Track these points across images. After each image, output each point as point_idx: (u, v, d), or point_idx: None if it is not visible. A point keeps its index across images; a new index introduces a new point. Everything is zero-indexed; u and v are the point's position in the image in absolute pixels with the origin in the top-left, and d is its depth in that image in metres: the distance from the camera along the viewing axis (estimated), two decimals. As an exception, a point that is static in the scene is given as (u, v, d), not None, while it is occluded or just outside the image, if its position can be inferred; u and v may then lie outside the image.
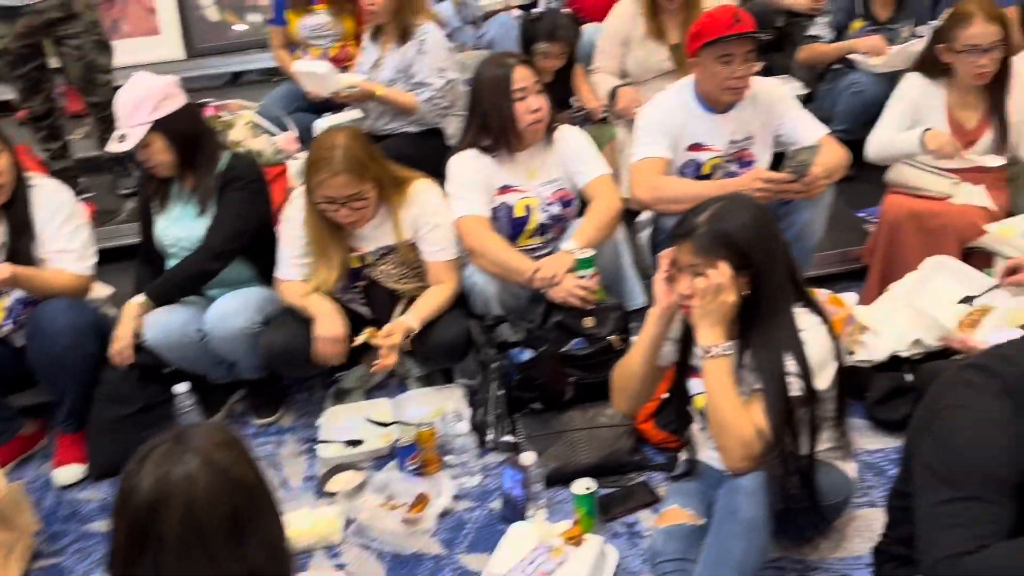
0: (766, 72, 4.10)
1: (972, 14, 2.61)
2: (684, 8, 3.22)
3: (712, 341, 1.66)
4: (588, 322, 2.32)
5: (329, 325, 2.30)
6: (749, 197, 1.82)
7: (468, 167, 2.50)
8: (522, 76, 2.45)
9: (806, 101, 3.91)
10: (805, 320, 1.71)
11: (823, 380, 1.70)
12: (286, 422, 2.57)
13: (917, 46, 3.07)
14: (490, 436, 2.27)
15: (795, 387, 1.64)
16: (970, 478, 1.27)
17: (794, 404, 1.65)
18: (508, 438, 2.25)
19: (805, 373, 1.65)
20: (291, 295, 2.42)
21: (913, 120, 2.81)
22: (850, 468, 1.86)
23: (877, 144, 2.83)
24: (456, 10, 3.97)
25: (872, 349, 2.28)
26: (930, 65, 2.79)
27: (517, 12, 4.29)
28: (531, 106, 2.45)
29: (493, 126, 2.48)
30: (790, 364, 1.65)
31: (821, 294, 2.37)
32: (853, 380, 2.37)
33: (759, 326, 1.70)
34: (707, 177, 2.61)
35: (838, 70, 3.56)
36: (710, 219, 1.68)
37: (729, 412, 1.63)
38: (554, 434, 2.22)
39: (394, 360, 2.27)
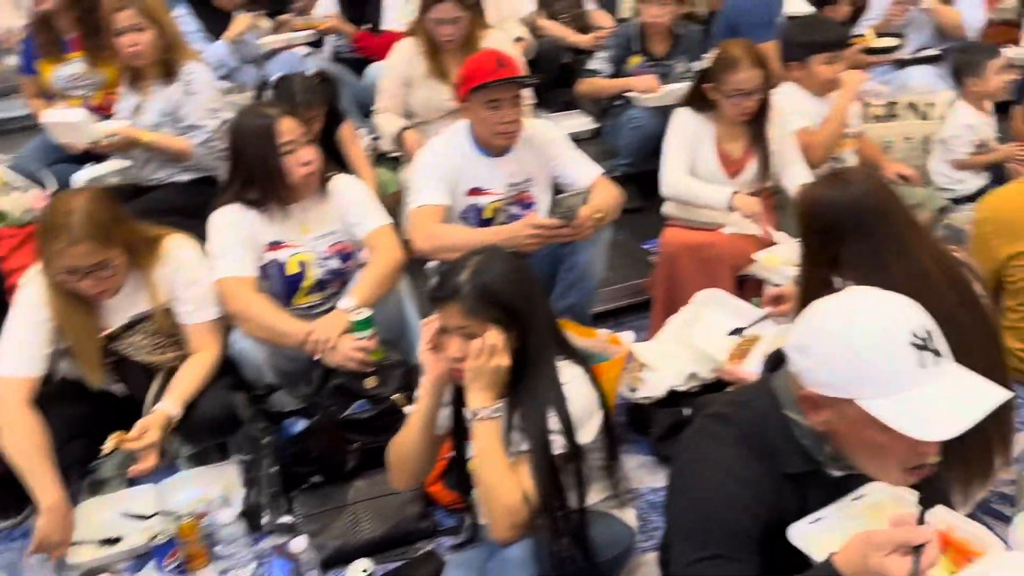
0: (560, 107, 4.22)
1: (739, 60, 2.73)
2: (464, 47, 3.19)
3: (481, 404, 1.59)
4: (370, 383, 2.20)
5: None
6: (505, 250, 1.77)
7: (231, 223, 2.32)
8: (288, 128, 2.30)
9: (596, 135, 4.04)
10: (567, 372, 1.67)
11: (588, 433, 1.66)
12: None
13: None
14: (265, 519, 2.08)
15: (558, 445, 1.59)
16: (712, 536, 1.25)
17: (559, 463, 1.60)
18: (285, 519, 2.07)
19: (568, 429, 1.61)
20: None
21: (688, 153, 2.91)
22: (628, 516, 1.84)
23: (675, 187, 2.89)
24: (232, 50, 3.77)
25: (652, 386, 2.30)
26: (698, 100, 2.90)
27: (304, 50, 4.15)
28: (301, 158, 2.31)
29: (259, 179, 2.31)
30: (553, 421, 1.60)
31: (602, 334, 2.38)
32: (638, 417, 2.42)
33: (525, 383, 1.64)
34: (489, 221, 2.58)
35: (620, 105, 3.67)
36: (472, 277, 1.61)
37: (495, 478, 1.56)
38: (335, 509, 2.08)
39: (153, 462, 2.03)
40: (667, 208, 3.03)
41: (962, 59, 3.26)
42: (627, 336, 2.32)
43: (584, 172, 2.62)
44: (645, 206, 3.44)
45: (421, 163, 2.53)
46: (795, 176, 2.94)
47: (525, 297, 1.65)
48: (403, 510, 2.08)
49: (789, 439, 1.31)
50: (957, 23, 3.95)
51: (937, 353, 1.18)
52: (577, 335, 2.36)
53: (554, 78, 4.18)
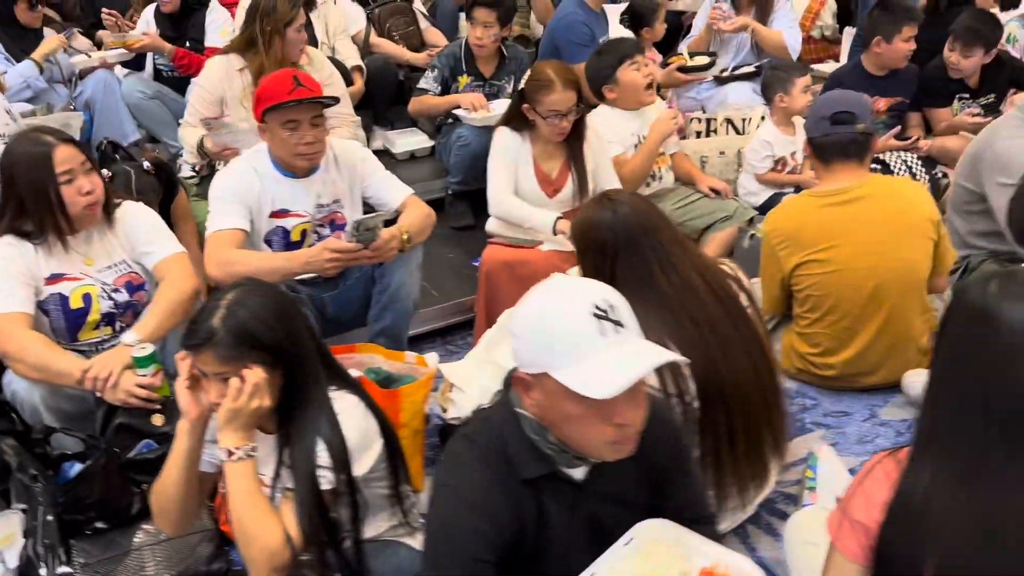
0: (398, 124, 4.20)
1: (552, 82, 2.76)
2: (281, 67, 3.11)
3: (233, 444, 1.53)
4: (157, 420, 2.08)
5: None
6: (262, 284, 1.70)
7: (1, 256, 2.16)
8: (65, 157, 2.16)
9: (433, 153, 4.04)
10: (341, 402, 1.63)
11: (364, 463, 1.62)
12: None
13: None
14: (43, 572, 1.94)
15: (327, 480, 1.55)
16: (452, 560, 1.25)
17: (327, 498, 1.55)
18: (63, 570, 1.94)
19: (340, 462, 1.57)
20: None
21: (511, 173, 2.94)
22: (416, 542, 1.81)
23: (502, 207, 2.91)
24: (40, 70, 3.57)
25: (460, 406, 2.28)
26: (516, 120, 2.93)
27: (123, 71, 3.97)
28: (82, 188, 2.17)
29: (35, 211, 2.17)
30: (323, 456, 1.56)
31: (409, 356, 2.35)
32: (449, 437, 2.40)
33: (294, 418, 1.59)
34: (298, 244, 2.51)
35: (450, 124, 3.68)
36: (226, 320, 1.52)
37: (252, 519, 1.50)
38: (118, 556, 1.96)
39: None
40: (489, 225, 3.05)
41: (771, 76, 3.43)
42: (432, 357, 2.31)
43: (394, 192, 2.60)
44: (477, 224, 3.46)
45: (218, 186, 2.44)
46: (612, 192, 3.02)
47: (287, 332, 1.58)
48: (193, 552, 1.98)
49: (524, 443, 1.35)
50: (780, 44, 4.15)
51: (619, 324, 1.27)
52: (385, 358, 2.35)
53: (391, 96, 4.16)
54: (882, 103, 3.69)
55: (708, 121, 4.00)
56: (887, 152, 3.52)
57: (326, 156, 2.52)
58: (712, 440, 1.84)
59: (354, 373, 2.16)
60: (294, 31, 3.16)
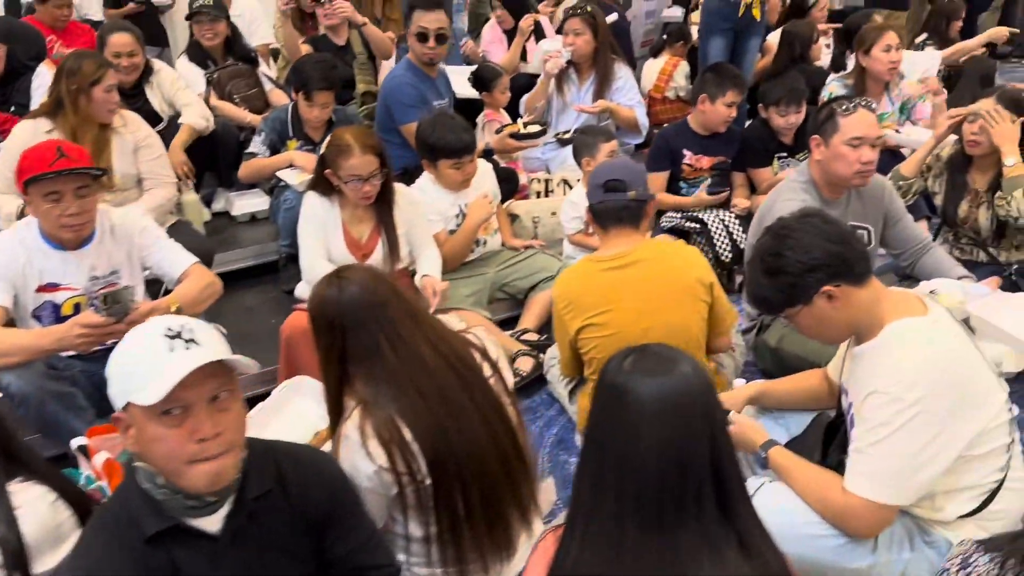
0: (240, 187, 4.15)
1: (350, 147, 2.77)
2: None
3: None
4: None
5: None
6: None
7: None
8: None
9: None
10: (23, 495, 1.55)
11: (51, 560, 1.54)
12: None
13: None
14: None
15: None
16: None
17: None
18: None
19: (14, 560, 1.49)
20: None
21: (321, 238, 2.92)
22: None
23: (312, 273, 2.85)
24: None
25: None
26: (322, 185, 2.92)
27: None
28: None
29: None
30: (-3, 551, 1.48)
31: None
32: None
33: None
34: (67, 318, 2.43)
35: (282, 187, 3.65)
36: None
37: None
38: None
39: None
40: (298, 290, 3.02)
41: (578, 141, 3.51)
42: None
43: (176, 261, 2.55)
44: (306, 287, 3.42)
45: (-23, 261, 2.36)
46: (427, 260, 3.03)
47: None
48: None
49: (142, 497, 1.36)
50: (634, 122, 4.29)
51: (192, 341, 1.34)
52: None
53: (232, 157, 4.12)
54: (705, 161, 3.81)
55: (546, 182, 4.08)
56: (706, 211, 3.63)
57: (103, 226, 2.46)
58: (449, 516, 1.81)
59: (103, 456, 2.08)
60: (102, 91, 3.10)
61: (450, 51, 4.84)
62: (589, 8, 4.37)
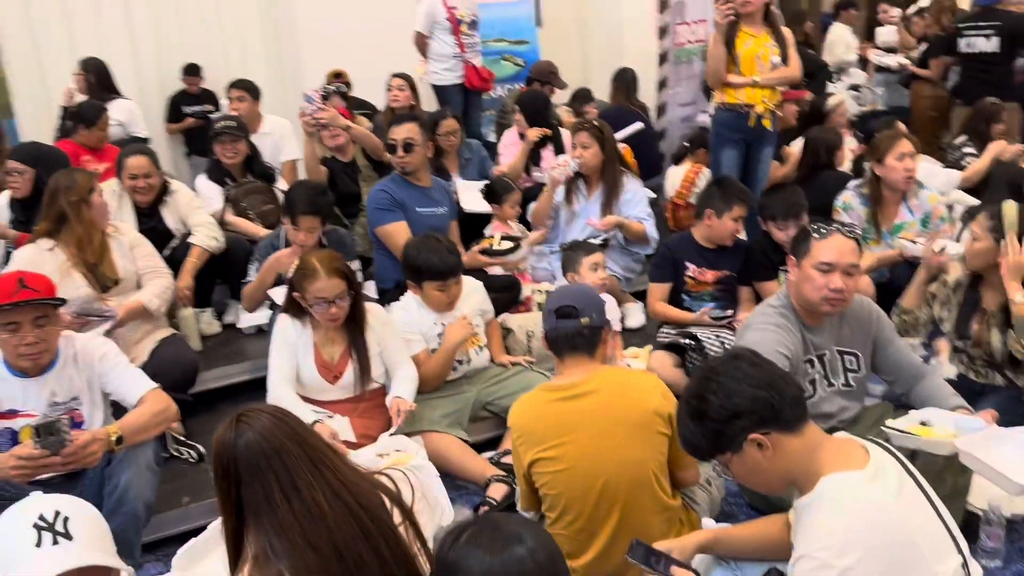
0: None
1: (316, 270, 2.81)
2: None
3: None
4: None
5: None
6: None
7: None
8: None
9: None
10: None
11: None
12: None
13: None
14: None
15: None
16: None
17: None
18: None
19: None
20: None
21: (291, 360, 2.92)
22: None
23: (271, 396, 2.89)
24: None
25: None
26: (293, 307, 2.94)
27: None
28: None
29: None
30: None
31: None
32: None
33: None
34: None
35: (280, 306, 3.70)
36: None
37: None
38: None
39: None
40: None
41: (564, 255, 3.46)
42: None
43: (133, 388, 2.57)
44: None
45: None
46: (400, 380, 2.99)
47: None
48: None
49: None
50: (644, 235, 4.26)
51: (63, 535, 1.34)
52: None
53: (243, 271, 4.19)
54: (709, 275, 3.70)
55: (547, 293, 4.02)
56: (702, 329, 3.49)
57: (65, 353, 2.52)
58: None
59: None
60: (98, 197, 3.33)
61: (466, 165, 4.94)
62: (596, 122, 4.41)
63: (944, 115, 6.61)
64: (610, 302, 3.61)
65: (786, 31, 4.43)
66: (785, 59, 4.33)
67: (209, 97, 6.98)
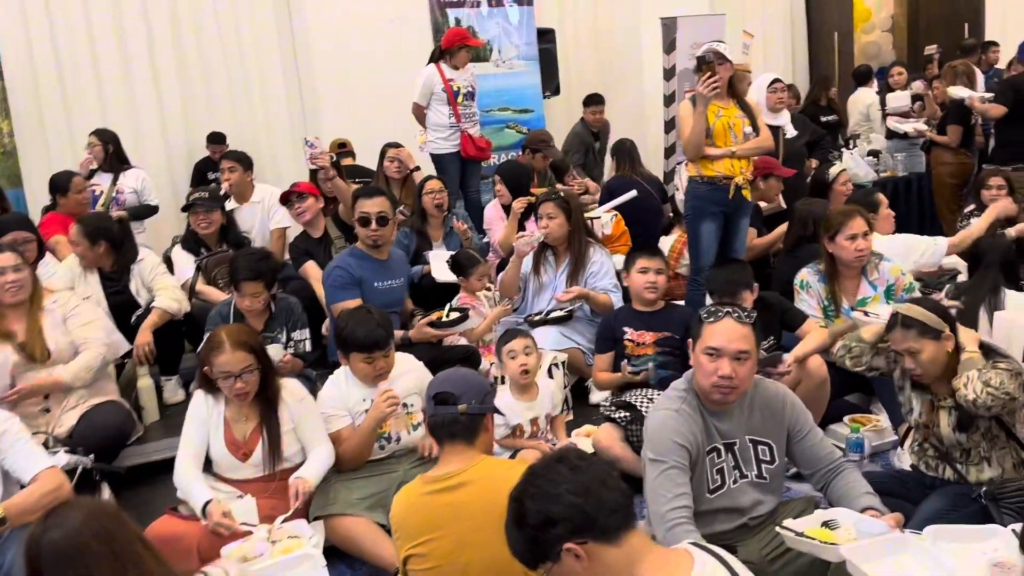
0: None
1: (222, 343, 2.80)
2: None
3: None
4: None
5: None
6: None
7: None
8: None
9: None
10: None
11: None
12: None
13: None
14: None
15: None
16: None
17: None
18: None
19: None
20: None
21: (202, 436, 2.90)
22: None
23: (176, 476, 2.87)
24: None
25: None
26: (207, 382, 2.92)
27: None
28: None
29: None
30: None
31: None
32: None
33: None
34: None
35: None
36: None
37: None
38: None
39: None
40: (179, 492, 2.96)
41: (499, 342, 3.39)
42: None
43: (27, 466, 2.55)
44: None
45: None
46: (312, 459, 2.93)
47: None
48: None
49: None
50: (608, 306, 4.18)
51: None
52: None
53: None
54: (648, 336, 3.61)
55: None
56: (640, 396, 3.37)
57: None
58: None
59: None
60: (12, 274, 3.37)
61: (451, 234, 4.93)
62: (562, 193, 4.37)
63: (967, 182, 6.35)
64: (549, 385, 3.49)
65: (751, 101, 4.34)
66: (756, 129, 4.22)
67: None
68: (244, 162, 5.22)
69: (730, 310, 2.39)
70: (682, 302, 4.59)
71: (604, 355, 3.70)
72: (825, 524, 2.22)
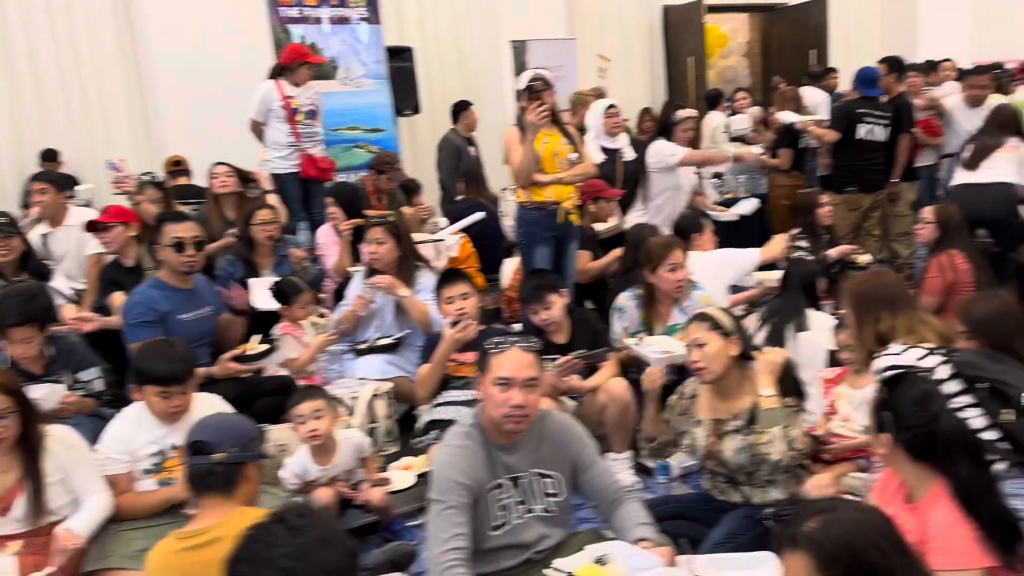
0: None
1: None
2: None
3: None
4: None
5: None
6: None
7: None
8: None
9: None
10: None
11: None
12: None
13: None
14: None
15: None
16: None
17: None
18: None
19: None
20: None
21: None
22: None
23: None
24: None
25: None
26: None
27: None
28: None
29: None
30: None
31: None
32: None
33: None
34: None
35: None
36: None
37: None
38: None
39: None
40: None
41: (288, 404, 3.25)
42: None
43: None
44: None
45: None
46: (83, 509, 2.70)
47: None
48: None
49: None
50: (427, 317, 4.08)
51: None
52: None
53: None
54: (469, 356, 3.58)
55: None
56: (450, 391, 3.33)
57: None
58: None
59: None
60: None
61: (282, 262, 4.73)
62: (391, 218, 4.27)
63: (800, 203, 6.62)
64: (352, 439, 3.20)
65: (571, 129, 4.39)
66: (580, 156, 4.26)
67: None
68: (58, 183, 4.86)
69: (516, 339, 2.36)
70: (519, 326, 4.57)
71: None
72: (599, 560, 2.18)
